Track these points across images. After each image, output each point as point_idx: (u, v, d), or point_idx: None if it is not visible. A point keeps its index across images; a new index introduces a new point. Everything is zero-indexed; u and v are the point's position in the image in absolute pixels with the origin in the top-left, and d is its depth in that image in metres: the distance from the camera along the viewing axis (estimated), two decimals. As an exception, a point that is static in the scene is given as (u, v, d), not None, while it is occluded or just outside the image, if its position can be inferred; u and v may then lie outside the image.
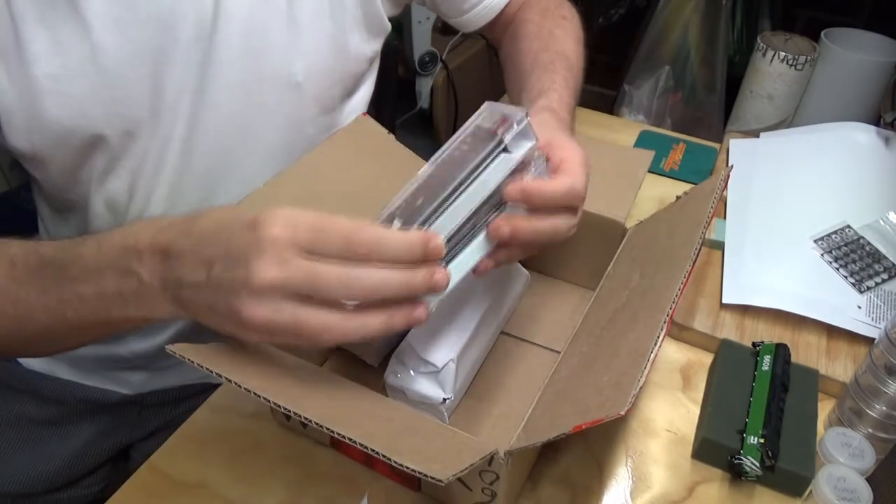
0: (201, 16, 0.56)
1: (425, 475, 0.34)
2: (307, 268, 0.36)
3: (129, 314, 0.43)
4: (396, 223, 0.41)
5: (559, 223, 0.46)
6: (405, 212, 0.41)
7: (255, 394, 0.38)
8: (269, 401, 0.37)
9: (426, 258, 0.38)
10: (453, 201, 0.42)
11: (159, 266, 0.40)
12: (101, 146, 0.58)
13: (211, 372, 0.39)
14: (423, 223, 0.41)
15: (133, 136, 0.59)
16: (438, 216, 0.41)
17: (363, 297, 0.37)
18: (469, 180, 0.42)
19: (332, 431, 0.35)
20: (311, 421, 0.36)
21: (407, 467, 0.34)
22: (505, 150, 0.43)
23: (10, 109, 0.54)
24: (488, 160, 0.43)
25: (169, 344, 0.42)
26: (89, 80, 0.54)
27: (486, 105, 0.45)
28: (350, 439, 0.35)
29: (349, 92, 0.70)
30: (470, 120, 0.45)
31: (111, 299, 0.43)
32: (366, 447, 0.35)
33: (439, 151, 0.44)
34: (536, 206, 0.45)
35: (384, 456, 0.34)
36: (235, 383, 0.38)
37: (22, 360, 0.73)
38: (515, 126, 0.42)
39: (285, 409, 0.37)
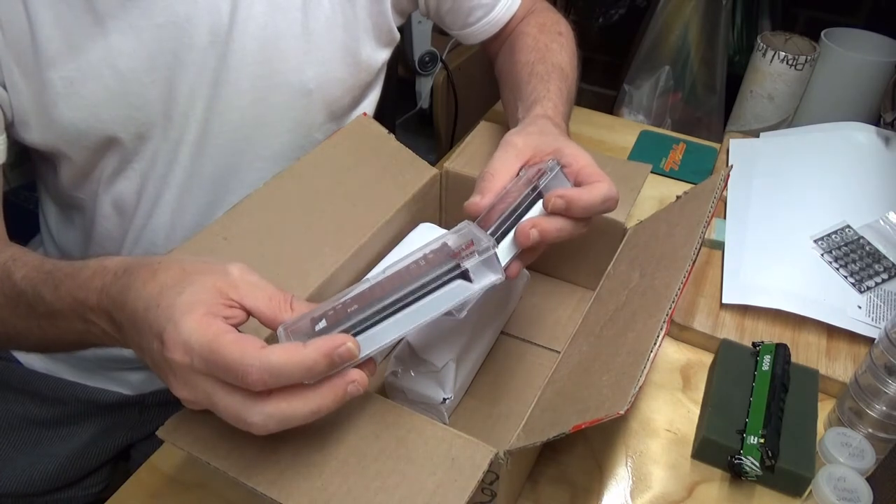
0: (217, 23, 0.56)
1: None
2: (209, 395, 0.35)
3: (107, 345, 0.43)
4: (321, 324, 0.38)
5: (581, 224, 0.47)
6: (335, 316, 0.38)
7: (244, 483, 0.38)
8: (256, 489, 0.38)
9: (335, 367, 0.35)
10: (388, 316, 0.38)
11: (110, 326, 0.40)
12: (114, 148, 0.59)
13: (201, 458, 0.39)
14: (348, 330, 0.37)
15: (145, 139, 0.59)
16: (367, 328, 0.38)
17: (264, 431, 0.35)
18: (410, 298, 0.38)
19: None
20: None
21: None
22: (465, 277, 0.39)
23: (24, 109, 0.54)
24: (440, 283, 0.39)
25: None
26: (104, 83, 0.55)
27: (464, 223, 0.42)
28: None
29: (358, 100, 0.71)
30: (443, 234, 0.42)
31: (84, 335, 0.43)
32: None
33: (399, 259, 0.41)
34: (576, 215, 0.46)
35: None
36: (224, 471, 0.39)
37: (23, 361, 0.73)
38: (477, 255, 0.39)
39: (271, 498, 0.37)
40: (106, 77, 0.54)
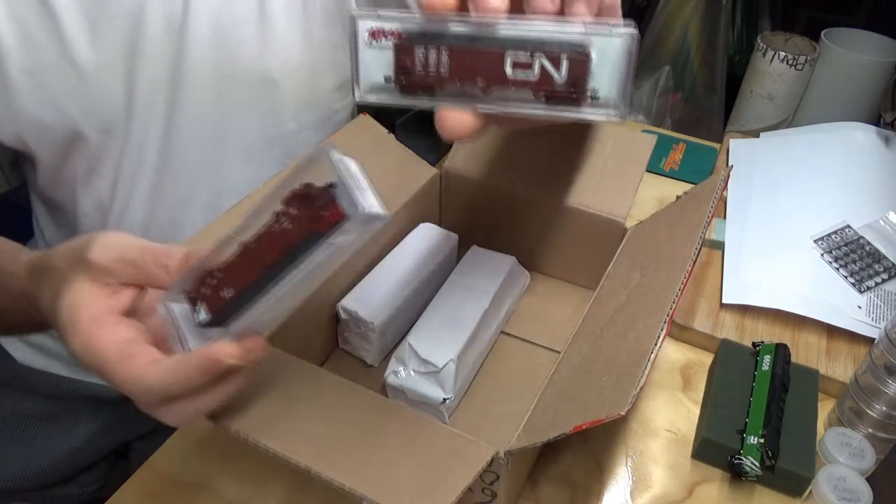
0: (171, 12, 0.56)
1: None
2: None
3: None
4: (202, 315, 0.35)
5: None
6: (212, 303, 0.35)
7: (244, 436, 0.38)
8: (258, 443, 0.38)
9: (216, 375, 0.34)
10: (268, 291, 0.34)
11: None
12: (81, 145, 0.59)
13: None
14: (231, 319, 0.35)
15: (110, 135, 0.59)
16: (249, 307, 0.35)
17: (180, 425, 0.36)
18: (289, 269, 0.33)
19: (321, 475, 0.36)
20: (299, 465, 0.36)
21: None
22: (343, 230, 0.33)
23: None
24: (315, 248, 0.32)
25: None
26: (63, 76, 0.54)
27: (325, 148, 0.34)
28: (339, 483, 0.35)
29: (334, 86, 0.69)
30: (301, 162, 0.33)
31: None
32: (354, 490, 0.35)
33: (255, 206, 0.34)
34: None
35: (371, 500, 0.35)
36: (224, 425, 0.39)
37: (18, 357, 0.73)
38: (360, 210, 0.30)
39: (274, 451, 0.37)
40: (65, 69, 0.54)
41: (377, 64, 0.33)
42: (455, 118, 0.33)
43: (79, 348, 0.35)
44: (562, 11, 0.32)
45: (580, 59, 0.31)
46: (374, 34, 0.32)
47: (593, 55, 0.31)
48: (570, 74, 0.31)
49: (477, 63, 0.32)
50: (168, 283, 0.37)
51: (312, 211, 0.32)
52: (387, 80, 0.33)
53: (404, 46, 0.32)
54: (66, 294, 0.36)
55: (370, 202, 0.31)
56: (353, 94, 0.34)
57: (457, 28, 0.31)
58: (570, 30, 0.31)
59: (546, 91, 0.32)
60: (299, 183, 0.33)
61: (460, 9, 0.31)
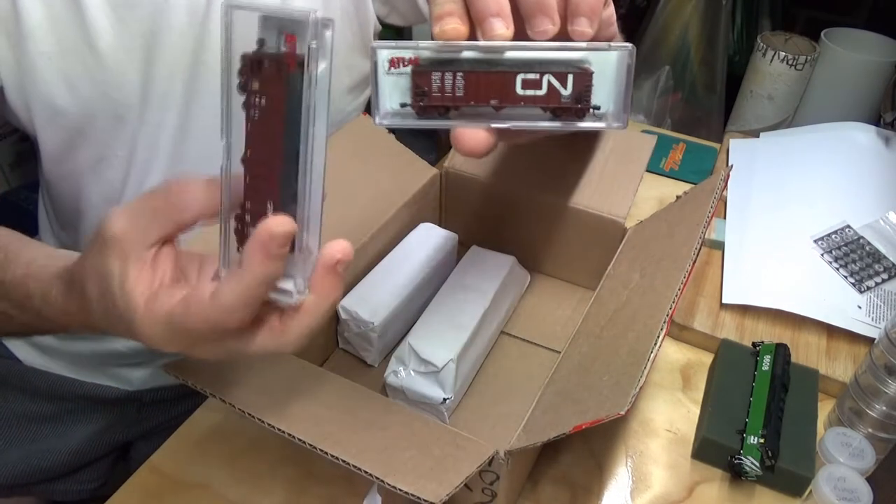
0: (194, 3, 0.56)
1: (418, 498, 0.34)
2: (208, 354, 0.34)
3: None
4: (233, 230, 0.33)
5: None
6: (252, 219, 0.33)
7: (249, 414, 0.38)
8: (262, 421, 0.38)
9: (278, 256, 0.31)
10: (303, 170, 0.31)
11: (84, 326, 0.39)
12: (91, 131, 0.59)
13: (206, 392, 0.39)
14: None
15: (123, 121, 0.59)
16: (303, 199, 0.32)
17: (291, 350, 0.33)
18: (302, 130, 0.31)
19: (326, 453, 0.36)
20: (304, 442, 0.36)
21: (399, 489, 0.34)
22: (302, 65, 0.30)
23: (6, 78, 0.55)
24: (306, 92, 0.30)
25: None
26: (82, 59, 0.55)
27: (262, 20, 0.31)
28: (343, 460, 0.35)
29: (347, 88, 0.69)
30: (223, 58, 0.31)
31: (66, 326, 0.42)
32: (359, 468, 0.35)
33: (221, 123, 0.33)
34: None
35: (377, 477, 0.35)
36: (230, 403, 0.39)
37: (21, 358, 0.73)
38: (309, 19, 0.29)
39: (279, 429, 0.37)
40: (84, 53, 0.55)
41: (395, 90, 0.35)
42: (471, 136, 0.34)
43: (145, 320, 0.32)
44: (563, 30, 0.34)
45: (583, 75, 0.34)
46: (393, 62, 0.34)
47: (594, 70, 0.34)
48: (575, 89, 0.34)
49: (490, 84, 0.34)
50: (194, 207, 0.34)
51: (273, 64, 0.30)
52: (403, 105, 0.35)
53: (421, 72, 0.34)
54: (116, 298, 0.33)
55: (301, 8, 0.30)
56: (374, 119, 0.35)
57: (468, 54, 0.34)
58: (572, 49, 0.34)
59: (553, 106, 0.35)
60: (238, 61, 0.31)
61: (470, 37, 0.34)
